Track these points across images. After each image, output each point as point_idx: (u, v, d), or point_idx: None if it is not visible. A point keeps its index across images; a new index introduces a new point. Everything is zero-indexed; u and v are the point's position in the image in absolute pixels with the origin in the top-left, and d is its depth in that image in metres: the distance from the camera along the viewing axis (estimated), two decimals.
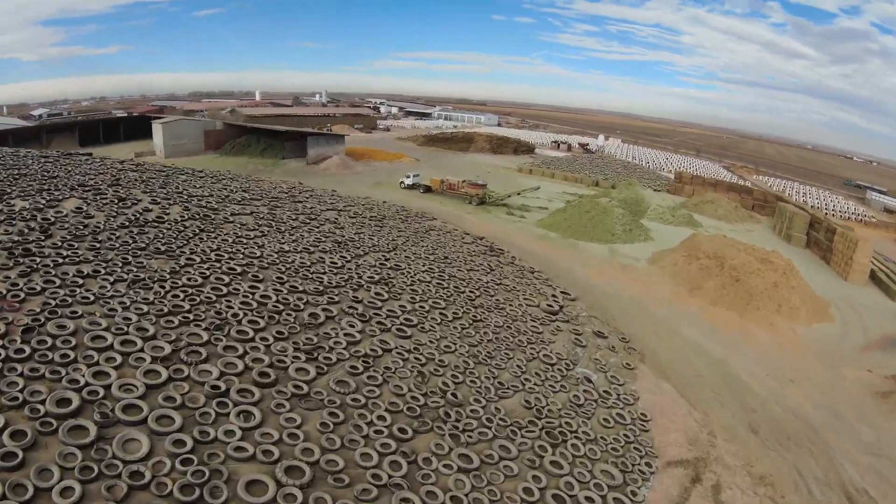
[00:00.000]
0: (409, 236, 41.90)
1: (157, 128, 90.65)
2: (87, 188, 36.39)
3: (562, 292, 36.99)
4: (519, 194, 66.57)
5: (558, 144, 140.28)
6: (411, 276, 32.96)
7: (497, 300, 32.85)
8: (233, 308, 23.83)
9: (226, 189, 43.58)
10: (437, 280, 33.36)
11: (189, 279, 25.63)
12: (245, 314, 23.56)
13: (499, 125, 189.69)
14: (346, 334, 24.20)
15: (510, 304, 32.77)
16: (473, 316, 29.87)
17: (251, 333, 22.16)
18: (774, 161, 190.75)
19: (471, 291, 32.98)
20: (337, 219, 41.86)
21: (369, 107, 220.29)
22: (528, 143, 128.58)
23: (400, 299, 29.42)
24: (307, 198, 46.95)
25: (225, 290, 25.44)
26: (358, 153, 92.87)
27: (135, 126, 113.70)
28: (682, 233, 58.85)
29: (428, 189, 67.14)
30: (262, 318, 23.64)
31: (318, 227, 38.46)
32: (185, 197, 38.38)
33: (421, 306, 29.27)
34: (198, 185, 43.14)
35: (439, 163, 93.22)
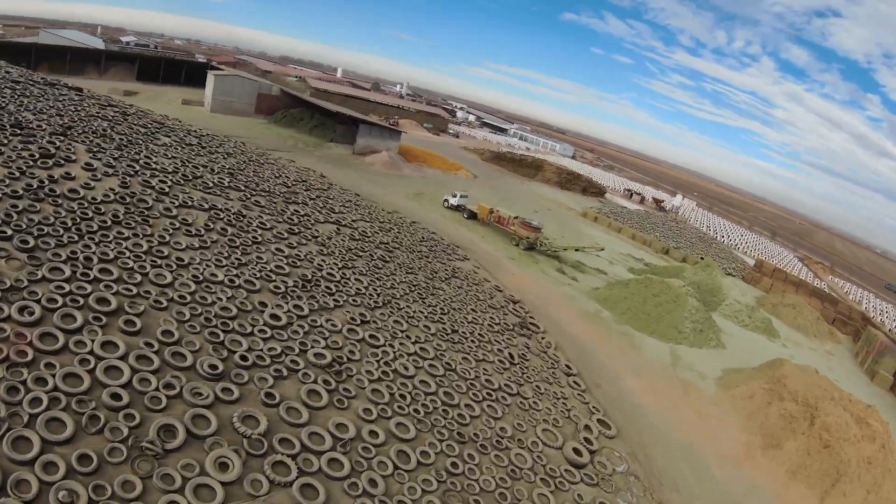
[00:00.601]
0: (419, 284, 31.35)
1: (210, 79, 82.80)
2: (20, 130, 27.35)
3: (599, 420, 25.74)
4: (577, 250, 54.75)
5: (631, 194, 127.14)
6: (382, 365, 21.88)
7: (501, 430, 21.65)
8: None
9: (209, 165, 33.89)
10: (420, 379, 22.33)
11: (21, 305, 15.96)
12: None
13: (573, 157, 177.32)
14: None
15: (519, 441, 21.60)
16: (449, 466, 18.47)
17: None
18: (846, 260, 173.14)
19: (466, 406, 22.00)
20: (331, 238, 31.63)
21: (446, 108, 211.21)
22: (599, 184, 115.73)
23: (343, 411, 18.65)
24: (313, 198, 37.08)
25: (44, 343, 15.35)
26: (413, 153, 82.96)
27: (197, 73, 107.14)
28: (758, 344, 47.13)
29: (473, 215, 56.19)
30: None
31: (294, 247, 28.22)
32: (140, 166, 28.61)
33: (367, 444, 17.64)
34: (174, 153, 33.36)
35: (497, 186, 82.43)
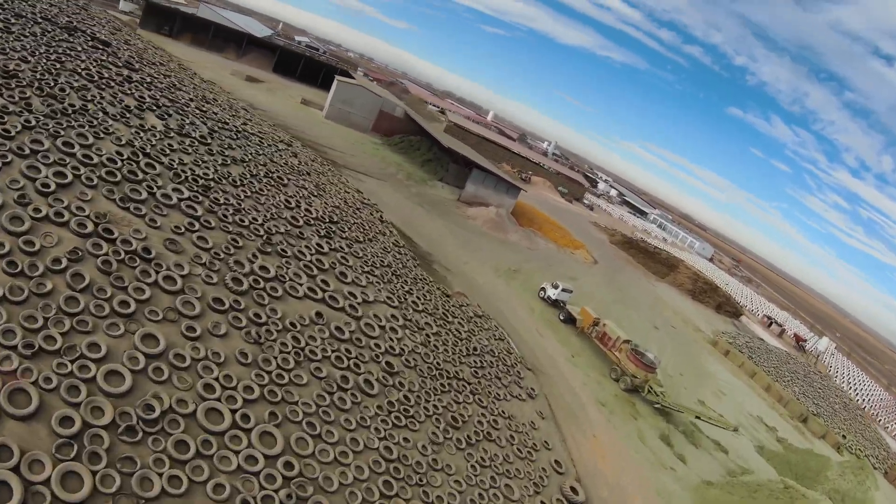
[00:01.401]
0: (399, 460, 18.19)
1: (334, 84, 74.93)
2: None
3: None
4: (697, 417, 36.83)
5: (770, 322, 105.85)
6: None
7: None
8: None
9: (246, 164, 24.35)
10: None
11: None
12: None
13: (710, 259, 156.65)
14: None
15: None
16: None
17: None
18: None
19: None
20: (301, 332, 19.08)
21: (588, 176, 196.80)
22: (736, 303, 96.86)
23: None
24: (339, 235, 24.98)
25: None
26: (530, 215, 69.90)
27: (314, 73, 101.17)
28: None
29: (571, 319, 41.64)
30: None
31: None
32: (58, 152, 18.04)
33: None
34: (230, 145, 24.64)
35: (617, 280, 67.23)
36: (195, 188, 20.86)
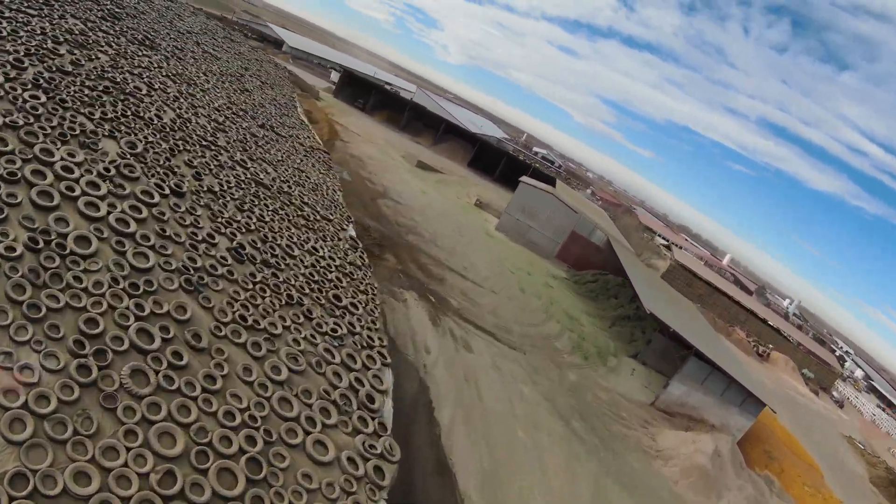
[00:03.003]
0: None
1: (518, 188, 55.66)
2: None
3: None
4: None
5: None
6: None
7: None
8: None
9: None
10: None
11: None
12: None
13: None
14: None
15: None
16: None
17: None
18: None
19: None
20: None
21: (837, 355, 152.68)
22: None
23: None
24: None
25: None
26: (766, 439, 42.44)
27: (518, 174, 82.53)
28: None
29: None
30: None
31: None
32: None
33: None
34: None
35: None
36: None
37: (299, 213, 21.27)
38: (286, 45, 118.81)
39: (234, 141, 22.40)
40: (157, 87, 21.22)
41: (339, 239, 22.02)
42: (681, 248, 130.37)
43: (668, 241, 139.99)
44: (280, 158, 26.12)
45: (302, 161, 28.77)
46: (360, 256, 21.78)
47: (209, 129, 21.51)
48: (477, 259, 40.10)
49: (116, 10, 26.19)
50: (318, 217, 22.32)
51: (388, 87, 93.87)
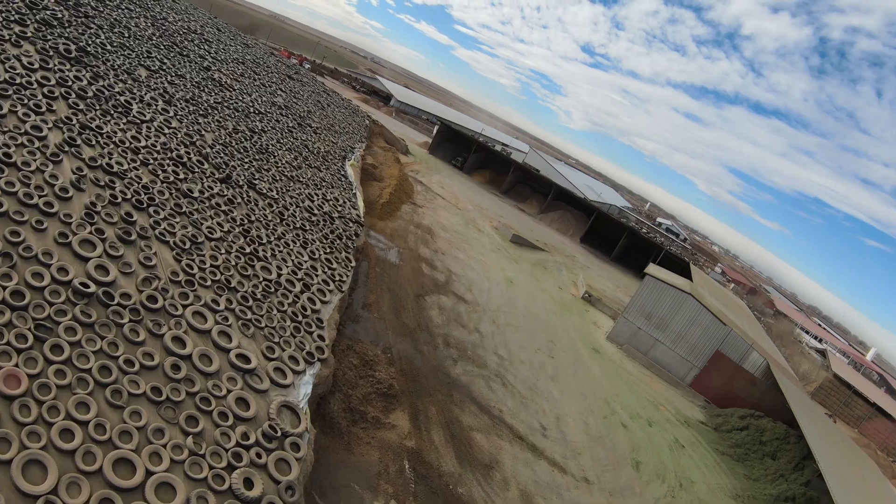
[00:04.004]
0: None
1: (646, 280, 39.93)
2: None
3: None
4: None
5: None
6: None
7: None
8: None
9: None
10: None
11: None
12: None
13: None
14: None
15: None
16: None
17: None
18: None
19: None
20: None
21: None
22: None
23: None
24: None
25: None
26: None
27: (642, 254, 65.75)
28: None
29: None
30: None
31: None
32: None
33: None
34: None
35: None
36: None
37: None
38: (394, 98, 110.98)
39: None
40: None
41: None
42: (834, 351, 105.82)
43: (820, 340, 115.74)
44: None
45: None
46: None
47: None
48: (569, 403, 25.10)
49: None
50: None
51: (493, 145, 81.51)
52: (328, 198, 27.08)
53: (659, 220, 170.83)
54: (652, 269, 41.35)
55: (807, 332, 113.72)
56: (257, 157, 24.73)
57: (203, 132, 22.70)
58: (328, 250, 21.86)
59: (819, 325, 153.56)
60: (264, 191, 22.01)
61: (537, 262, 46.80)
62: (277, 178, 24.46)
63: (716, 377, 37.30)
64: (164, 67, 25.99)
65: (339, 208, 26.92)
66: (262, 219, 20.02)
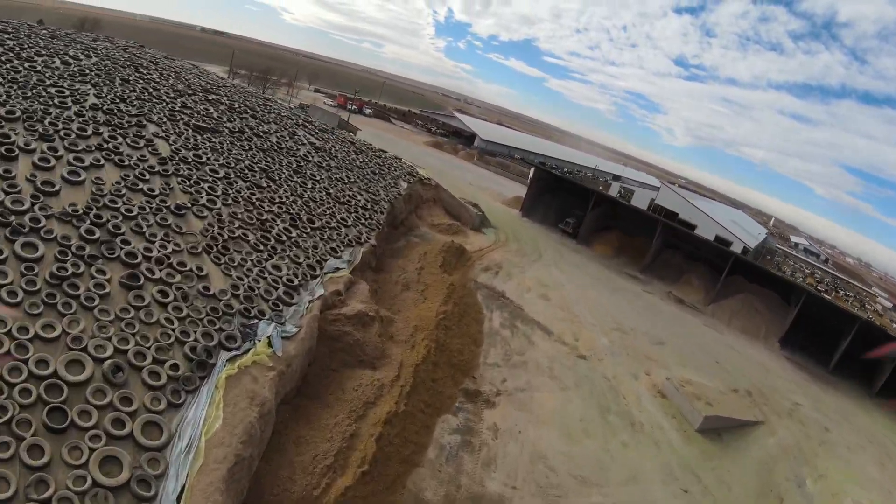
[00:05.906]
0: None
1: None
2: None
3: None
4: None
5: None
6: None
7: None
8: None
9: None
10: None
11: None
12: None
13: None
14: None
15: None
16: None
17: None
18: None
19: None
20: None
21: None
22: None
23: None
24: None
25: None
26: None
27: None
28: None
29: None
30: None
31: None
32: None
33: None
34: None
35: None
36: None
37: None
38: (478, 138, 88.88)
39: None
40: None
41: None
42: None
43: None
44: None
45: None
46: None
47: None
48: None
49: None
50: None
51: (620, 190, 56.14)
52: None
53: (793, 239, 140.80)
54: None
55: None
56: None
57: None
58: None
59: None
60: None
61: (723, 447, 22.03)
62: None
63: None
64: None
65: None
66: None
